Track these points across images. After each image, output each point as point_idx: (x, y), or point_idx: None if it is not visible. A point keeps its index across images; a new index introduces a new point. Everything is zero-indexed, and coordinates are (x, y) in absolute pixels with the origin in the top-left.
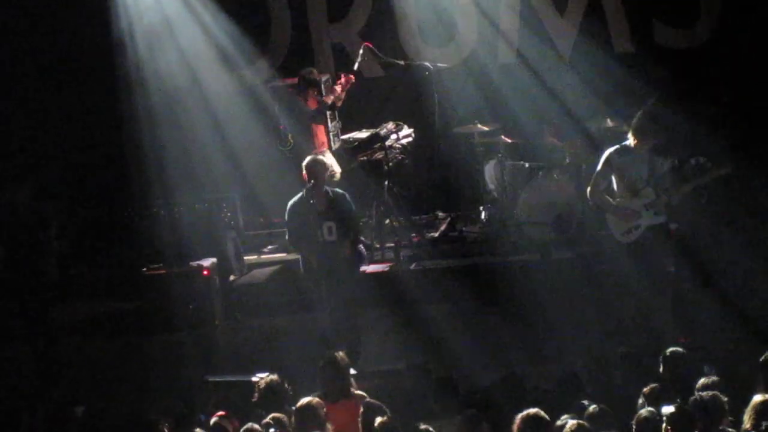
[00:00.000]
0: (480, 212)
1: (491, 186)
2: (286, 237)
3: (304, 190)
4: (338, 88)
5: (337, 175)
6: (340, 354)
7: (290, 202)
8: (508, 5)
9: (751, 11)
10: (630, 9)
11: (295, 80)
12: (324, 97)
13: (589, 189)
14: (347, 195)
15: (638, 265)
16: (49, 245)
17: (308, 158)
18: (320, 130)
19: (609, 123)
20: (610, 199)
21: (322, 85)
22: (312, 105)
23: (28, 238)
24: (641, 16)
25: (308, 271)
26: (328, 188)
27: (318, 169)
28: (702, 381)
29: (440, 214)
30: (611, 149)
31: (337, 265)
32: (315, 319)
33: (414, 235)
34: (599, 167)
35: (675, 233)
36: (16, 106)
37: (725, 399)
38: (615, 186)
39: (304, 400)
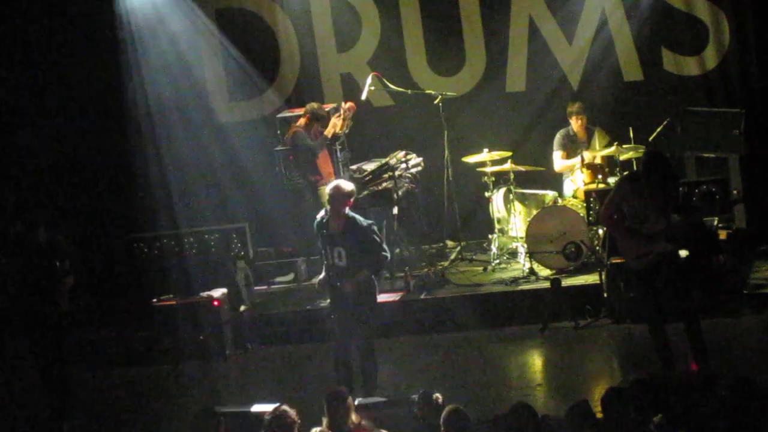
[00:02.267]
0: (490, 241)
1: (501, 214)
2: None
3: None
4: (338, 121)
5: None
6: (343, 387)
7: (319, 218)
8: (516, 34)
9: (760, 37)
10: (638, 37)
11: (303, 111)
12: (325, 131)
13: (601, 214)
14: (371, 226)
15: (649, 292)
16: (62, 277)
17: (330, 184)
18: (326, 161)
19: (617, 151)
20: (623, 225)
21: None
22: (316, 137)
23: (42, 271)
24: (650, 44)
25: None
26: (353, 215)
27: (333, 195)
28: (713, 407)
29: (450, 243)
30: (624, 175)
31: (345, 291)
32: (326, 349)
33: (424, 264)
34: (612, 193)
35: (685, 260)
36: (28, 140)
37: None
38: (627, 212)
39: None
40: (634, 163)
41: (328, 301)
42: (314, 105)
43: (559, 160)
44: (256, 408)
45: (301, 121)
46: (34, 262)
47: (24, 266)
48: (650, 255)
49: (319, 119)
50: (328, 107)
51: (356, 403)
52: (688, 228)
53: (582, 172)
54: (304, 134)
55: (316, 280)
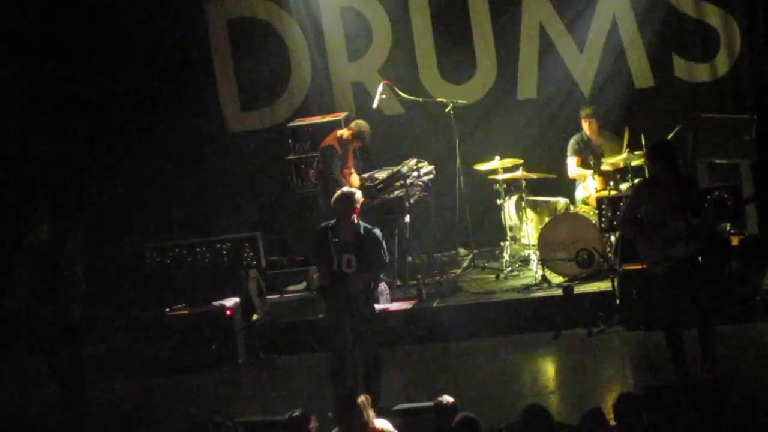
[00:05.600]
0: (502, 248)
1: (513, 222)
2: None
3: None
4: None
5: None
6: (353, 389)
7: (322, 224)
8: (527, 41)
9: None
10: (649, 44)
11: (316, 119)
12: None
13: (620, 219)
14: (380, 237)
15: (669, 297)
16: (74, 283)
17: (338, 192)
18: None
19: (628, 157)
20: (642, 230)
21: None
22: (347, 152)
23: (52, 275)
24: (661, 51)
25: (322, 294)
26: (362, 223)
27: (345, 202)
28: (728, 414)
29: (462, 251)
30: (642, 179)
31: (350, 297)
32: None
33: (436, 272)
34: (630, 197)
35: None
36: (35, 142)
37: None
38: (646, 216)
39: None
40: (646, 169)
41: (324, 311)
42: (363, 124)
43: (573, 167)
44: (271, 417)
45: (345, 133)
46: (40, 266)
47: (30, 270)
48: (671, 259)
49: (362, 139)
50: (340, 115)
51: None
52: (705, 231)
53: (594, 179)
54: (333, 152)
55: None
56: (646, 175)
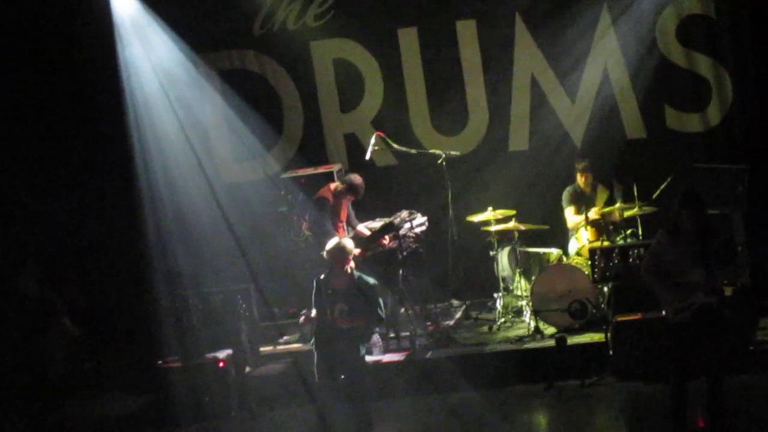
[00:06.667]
0: (494, 300)
1: (505, 273)
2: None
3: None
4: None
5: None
6: None
7: (320, 276)
8: (519, 93)
9: (762, 93)
10: (641, 95)
11: (309, 171)
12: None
13: (642, 268)
14: (373, 285)
15: (683, 347)
16: (61, 336)
17: (331, 243)
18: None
19: (620, 207)
20: (663, 278)
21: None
22: (339, 203)
23: (33, 328)
24: (652, 101)
25: (316, 348)
26: (358, 273)
27: (337, 253)
28: None
29: (455, 302)
30: (662, 229)
31: (342, 349)
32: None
33: (429, 323)
34: (652, 246)
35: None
36: (24, 191)
37: None
38: (667, 265)
39: None
40: (639, 220)
41: (315, 362)
42: (356, 177)
43: (571, 216)
44: None
45: (338, 186)
46: (19, 318)
47: (14, 323)
48: (692, 308)
49: (355, 192)
50: (333, 167)
51: None
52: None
53: (586, 230)
54: (325, 204)
55: (309, 345)
56: (639, 227)
